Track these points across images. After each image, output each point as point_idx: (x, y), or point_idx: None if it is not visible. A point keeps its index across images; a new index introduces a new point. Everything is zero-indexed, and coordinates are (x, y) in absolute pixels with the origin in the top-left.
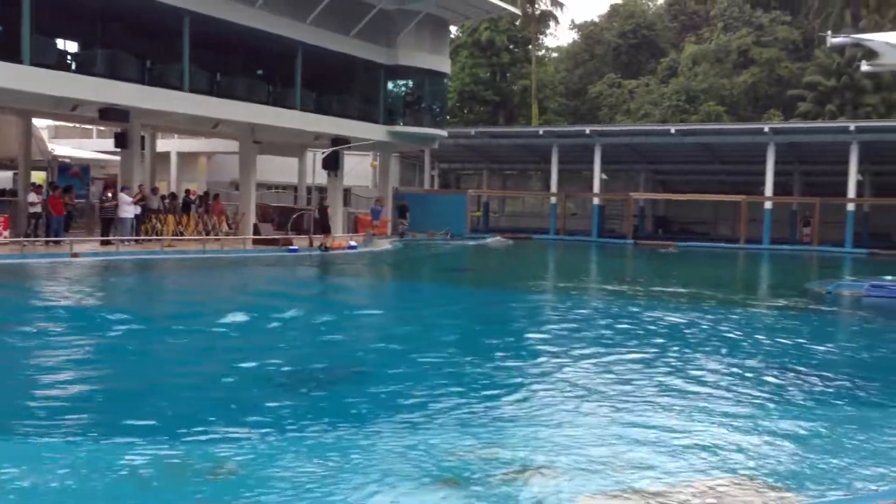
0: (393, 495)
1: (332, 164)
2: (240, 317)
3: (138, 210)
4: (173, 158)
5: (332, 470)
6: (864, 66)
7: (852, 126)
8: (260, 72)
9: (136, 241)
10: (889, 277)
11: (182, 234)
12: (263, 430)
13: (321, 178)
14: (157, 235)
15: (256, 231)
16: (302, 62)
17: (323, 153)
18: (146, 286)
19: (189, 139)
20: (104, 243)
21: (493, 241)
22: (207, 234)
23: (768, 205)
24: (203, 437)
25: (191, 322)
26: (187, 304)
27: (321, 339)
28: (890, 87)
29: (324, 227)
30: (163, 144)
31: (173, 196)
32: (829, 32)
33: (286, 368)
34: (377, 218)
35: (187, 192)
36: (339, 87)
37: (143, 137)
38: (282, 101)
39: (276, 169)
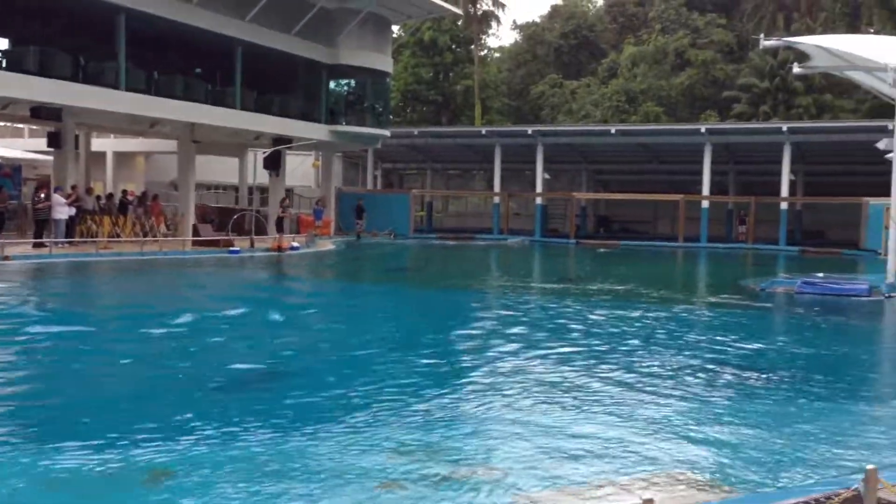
0: (333, 499)
1: (274, 164)
2: (178, 319)
3: (73, 211)
4: (109, 158)
5: (270, 474)
6: (796, 69)
7: (785, 127)
8: (198, 70)
9: (71, 243)
10: (820, 274)
11: (119, 235)
12: (201, 434)
13: (262, 178)
14: (92, 237)
15: (196, 232)
16: (242, 61)
17: (264, 153)
18: (80, 289)
19: (126, 139)
20: (37, 245)
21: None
22: (145, 235)
23: (705, 204)
24: (139, 443)
25: (127, 325)
26: (123, 306)
27: (262, 342)
28: (821, 89)
29: (278, 227)
30: (98, 144)
31: (109, 197)
32: (762, 35)
33: (225, 370)
34: (319, 218)
35: (124, 192)
36: (281, 86)
37: (77, 137)
38: (221, 100)
39: (217, 169)
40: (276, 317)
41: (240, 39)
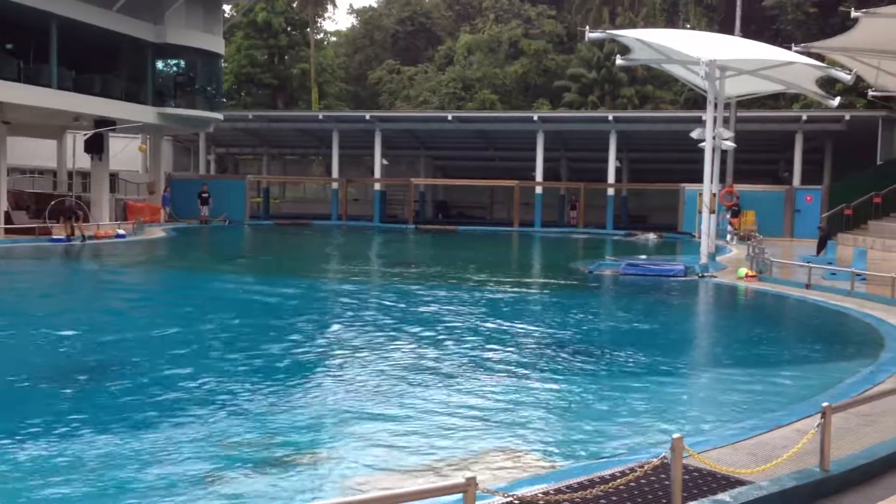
0: (160, 495)
1: (96, 147)
2: None
3: None
4: None
5: (93, 473)
6: (619, 61)
7: (611, 116)
8: (9, 46)
9: None
10: (643, 256)
11: None
12: (19, 435)
13: (83, 161)
14: None
15: (9, 220)
16: (57, 36)
17: (85, 135)
18: None
19: None
20: None
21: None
22: None
23: (539, 189)
24: None
25: None
26: None
27: (81, 337)
28: (643, 80)
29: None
30: None
31: None
32: (588, 28)
33: (43, 368)
34: (167, 205)
35: None
36: (103, 65)
37: None
38: (35, 79)
39: (33, 152)
40: (92, 310)
41: (55, 14)
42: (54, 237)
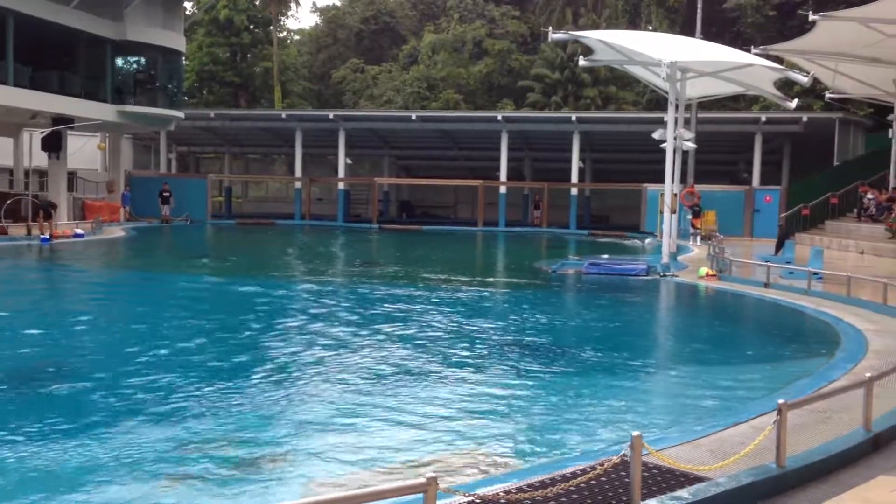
0: (121, 498)
1: (54, 145)
2: None
3: None
4: None
5: (53, 477)
6: (582, 61)
7: (574, 117)
8: None
9: None
10: (605, 256)
11: None
12: None
13: (41, 160)
14: None
15: None
16: (14, 32)
17: (42, 133)
18: None
19: None
20: None
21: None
22: None
23: (503, 189)
24: None
25: None
26: None
27: (39, 338)
28: (606, 81)
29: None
30: None
31: None
32: (551, 28)
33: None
34: (128, 203)
35: None
36: (60, 61)
37: None
38: None
39: None
40: (55, 312)
41: (11, 9)
42: (44, 237)
